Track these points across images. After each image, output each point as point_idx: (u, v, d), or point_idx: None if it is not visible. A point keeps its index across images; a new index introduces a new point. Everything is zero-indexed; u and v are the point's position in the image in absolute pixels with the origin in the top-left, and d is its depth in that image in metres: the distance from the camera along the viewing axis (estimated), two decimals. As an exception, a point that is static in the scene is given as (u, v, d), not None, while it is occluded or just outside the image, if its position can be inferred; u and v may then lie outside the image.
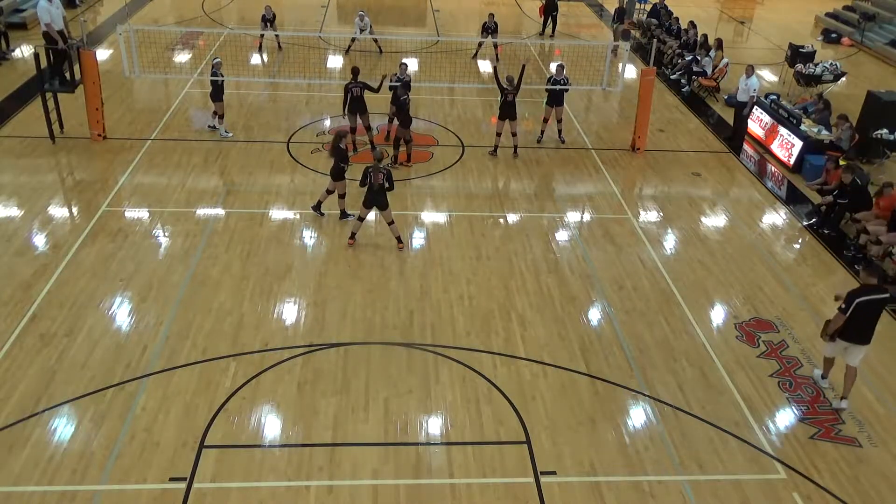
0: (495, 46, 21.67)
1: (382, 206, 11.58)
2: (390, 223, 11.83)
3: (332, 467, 7.96)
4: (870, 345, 9.00)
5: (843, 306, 8.71)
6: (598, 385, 9.35)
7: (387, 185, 11.42)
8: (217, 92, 15.07)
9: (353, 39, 21.47)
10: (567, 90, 15.99)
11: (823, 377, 9.60)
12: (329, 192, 12.54)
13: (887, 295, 8.86)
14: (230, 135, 15.58)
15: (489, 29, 21.14)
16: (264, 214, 12.79)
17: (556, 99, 15.73)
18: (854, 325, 8.81)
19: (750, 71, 16.53)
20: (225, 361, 9.38)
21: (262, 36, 21.21)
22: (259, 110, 17.14)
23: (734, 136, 17.00)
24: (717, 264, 12.14)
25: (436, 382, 9.22)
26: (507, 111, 14.83)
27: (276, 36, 21.35)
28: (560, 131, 16.27)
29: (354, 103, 14.57)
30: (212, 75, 14.99)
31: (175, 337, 9.75)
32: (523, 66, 15.08)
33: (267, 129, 16.18)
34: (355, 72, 14.59)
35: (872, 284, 8.80)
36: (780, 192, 14.90)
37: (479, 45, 22.05)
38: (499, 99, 15.08)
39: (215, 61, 15.12)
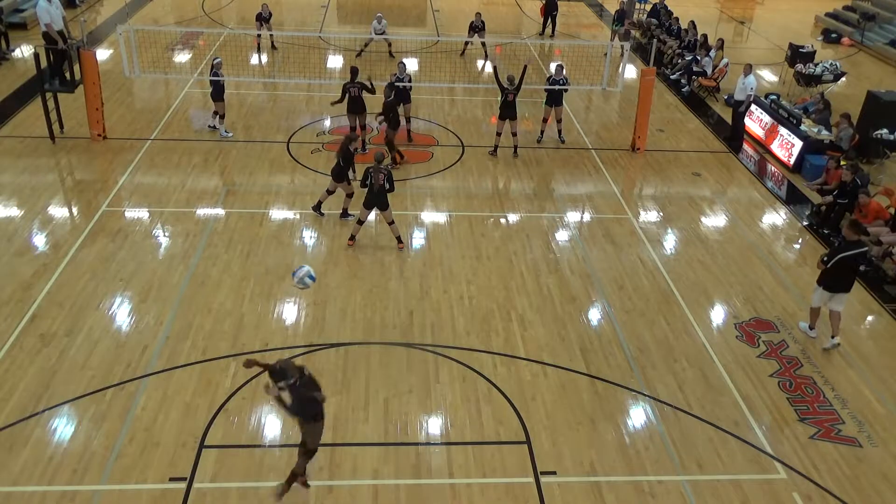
0: (483, 45, 21.65)
1: (383, 206, 11.60)
2: (390, 223, 11.84)
3: (332, 467, 7.96)
4: (851, 292, 10.24)
5: (826, 259, 9.82)
6: (598, 385, 9.35)
7: (387, 186, 11.43)
8: (218, 92, 15.07)
9: (366, 44, 21.24)
10: (566, 90, 15.98)
11: (811, 328, 10.45)
12: (330, 192, 12.54)
13: (865, 248, 10.11)
14: (230, 135, 15.59)
15: (476, 28, 21.12)
16: (264, 214, 12.79)
17: (555, 99, 15.75)
18: (838, 278, 9.90)
19: (748, 70, 16.50)
20: (225, 361, 9.38)
21: (258, 36, 21.17)
22: (259, 110, 17.14)
23: (732, 136, 16.98)
24: (717, 264, 12.14)
25: (436, 382, 9.23)
26: (508, 111, 14.82)
27: (271, 35, 21.30)
28: (560, 131, 16.28)
29: (353, 103, 14.57)
30: (213, 75, 14.98)
31: (175, 337, 9.75)
32: (525, 66, 15.09)
33: (267, 129, 16.18)
34: (354, 72, 14.59)
35: (855, 240, 9.84)
36: (780, 192, 14.90)
37: (466, 44, 21.97)
38: (499, 99, 15.08)
39: (216, 61, 15.11)
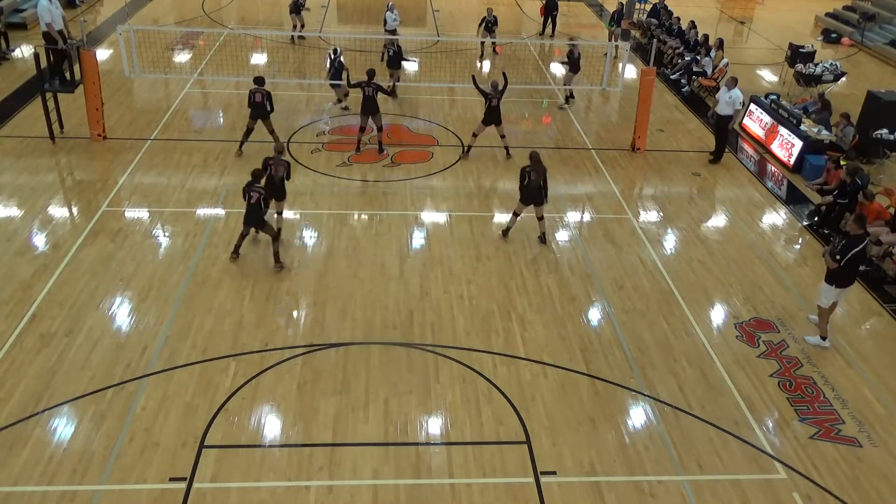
0: (494, 46, 21.68)
1: (280, 196, 11.76)
2: (279, 213, 11.96)
3: (332, 467, 7.96)
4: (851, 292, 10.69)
5: (839, 257, 9.73)
6: (598, 385, 9.35)
7: (286, 176, 11.73)
8: (337, 76, 16.12)
9: (385, 46, 20.46)
10: (576, 55, 17.67)
11: (823, 338, 10.29)
12: (517, 214, 12.37)
13: (867, 239, 10.25)
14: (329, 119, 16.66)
15: (489, 23, 20.92)
16: (264, 214, 12.78)
17: (573, 65, 17.78)
18: (848, 273, 9.93)
19: (731, 84, 15.49)
20: (225, 361, 9.38)
21: (302, 27, 21.54)
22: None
23: (716, 151, 15.88)
24: (717, 264, 12.14)
25: (436, 382, 9.23)
26: (492, 116, 14.82)
27: (302, 27, 21.49)
28: (571, 91, 18.56)
29: (367, 103, 14.65)
30: (337, 63, 16.04)
31: (175, 337, 9.75)
32: (504, 73, 15.18)
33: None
34: (371, 73, 14.71)
35: (860, 234, 9.86)
36: (780, 192, 14.90)
37: (482, 44, 21.88)
38: (484, 104, 14.94)
39: (337, 49, 16.18)
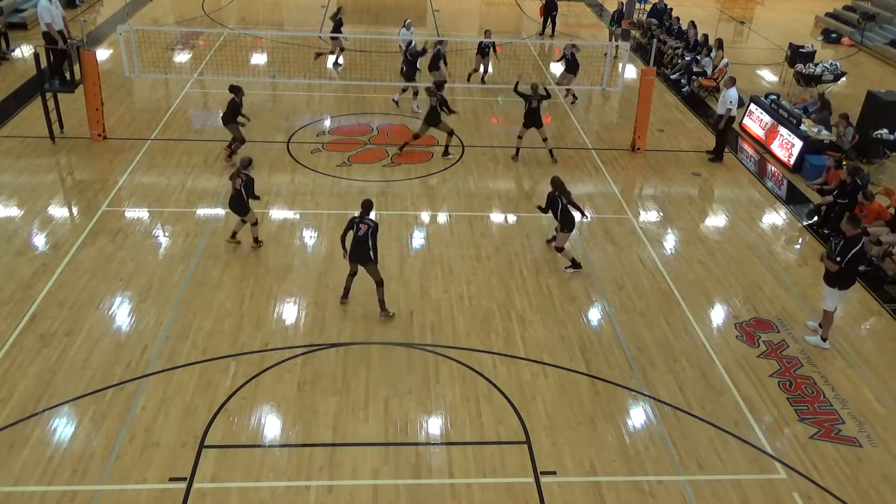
0: (485, 68, 19.74)
1: (240, 211, 11.43)
2: (253, 224, 11.63)
3: (332, 467, 7.96)
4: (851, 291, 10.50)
5: (839, 259, 9.68)
6: (598, 385, 9.35)
7: (244, 191, 11.22)
8: (435, 66, 17.25)
9: (423, 50, 18.93)
10: (571, 56, 17.98)
11: (824, 339, 10.24)
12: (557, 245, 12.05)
13: (865, 239, 10.19)
14: (420, 110, 16.82)
15: (485, 48, 19.24)
16: (264, 214, 12.77)
17: (569, 68, 18.01)
18: (850, 274, 9.84)
19: (730, 83, 15.48)
20: (225, 361, 9.38)
21: (340, 48, 20.07)
22: (259, 110, 17.11)
23: (716, 150, 15.95)
24: (717, 264, 12.14)
25: (436, 382, 9.23)
26: (532, 119, 14.76)
27: (333, 51, 20.12)
28: (571, 96, 18.82)
29: (430, 113, 14.67)
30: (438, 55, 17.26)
31: (175, 337, 9.75)
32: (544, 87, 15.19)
33: (267, 129, 16.17)
34: (440, 85, 14.81)
35: (856, 234, 9.71)
36: (780, 192, 14.90)
37: (474, 71, 19.70)
38: (525, 106, 14.85)
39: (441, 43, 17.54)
